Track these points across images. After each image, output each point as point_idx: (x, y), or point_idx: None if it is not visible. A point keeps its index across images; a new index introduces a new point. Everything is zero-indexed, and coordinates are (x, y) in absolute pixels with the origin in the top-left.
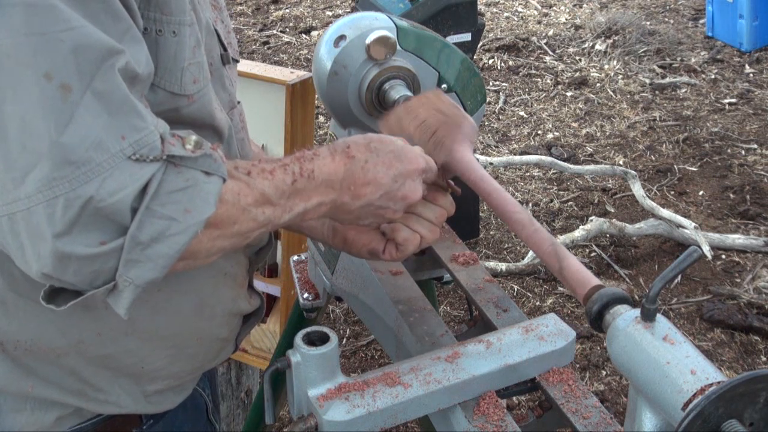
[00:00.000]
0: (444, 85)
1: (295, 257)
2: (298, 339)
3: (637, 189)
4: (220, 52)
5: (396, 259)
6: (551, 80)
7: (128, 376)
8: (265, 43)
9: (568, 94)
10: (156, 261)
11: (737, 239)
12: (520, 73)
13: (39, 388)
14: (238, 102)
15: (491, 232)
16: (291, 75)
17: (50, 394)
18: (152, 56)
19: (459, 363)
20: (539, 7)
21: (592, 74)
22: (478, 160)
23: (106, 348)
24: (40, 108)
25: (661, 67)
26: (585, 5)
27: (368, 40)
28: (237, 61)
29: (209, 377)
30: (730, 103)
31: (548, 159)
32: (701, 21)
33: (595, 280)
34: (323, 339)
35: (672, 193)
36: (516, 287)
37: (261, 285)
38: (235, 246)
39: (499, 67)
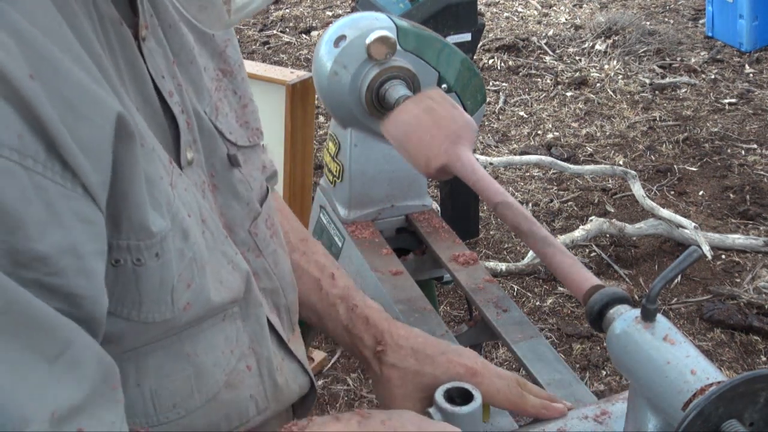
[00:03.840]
0: (444, 85)
1: None
2: (440, 397)
3: (637, 189)
4: (226, 152)
5: None
6: (551, 80)
7: None
8: (265, 43)
9: (568, 94)
10: None
11: (737, 239)
12: (520, 73)
13: None
14: (268, 188)
15: (491, 232)
16: (291, 75)
17: None
18: (130, 291)
19: (607, 422)
20: (539, 7)
21: (592, 74)
22: (477, 160)
23: None
24: None
25: (661, 67)
26: (585, 5)
27: (368, 40)
28: (257, 144)
29: None
30: (730, 103)
31: (548, 159)
32: (701, 21)
33: (595, 280)
34: (464, 396)
35: (672, 193)
36: (516, 287)
37: None
38: None
39: (499, 67)
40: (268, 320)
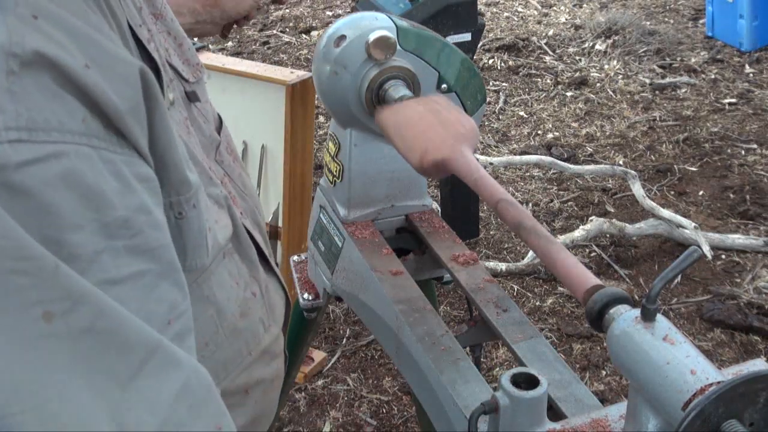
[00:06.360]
0: (444, 85)
1: (295, 257)
2: (506, 381)
3: (637, 189)
4: (183, 90)
5: None
6: (551, 80)
7: None
8: (265, 43)
9: (568, 94)
10: None
11: (737, 239)
12: (520, 73)
13: None
14: (220, 116)
15: (491, 232)
16: (291, 75)
17: None
18: (176, 243)
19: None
20: (539, 7)
21: (592, 74)
22: (477, 160)
23: None
24: None
25: (661, 67)
26: (585, 5)
27: (368, 40)
28: (201, 79)
29: None
30: (730, 103)
31: (548, 159)
32: (701, 21)
33: (595, 280)
34: (529, 381)
35: (672, 193)
36: (516, 287)
37: None
38: None
39: (499, 67)
40: (253, 240)
